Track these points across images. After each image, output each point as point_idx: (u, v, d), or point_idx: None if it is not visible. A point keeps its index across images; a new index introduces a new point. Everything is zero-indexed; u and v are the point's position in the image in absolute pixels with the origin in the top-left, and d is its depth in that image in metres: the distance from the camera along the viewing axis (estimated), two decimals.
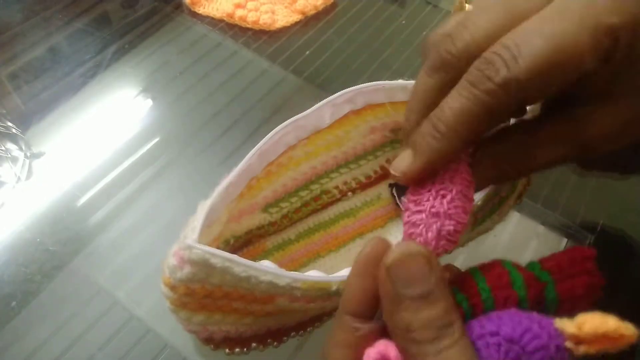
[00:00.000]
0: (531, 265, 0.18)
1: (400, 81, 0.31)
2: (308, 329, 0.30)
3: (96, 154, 0.41)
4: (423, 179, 0.19)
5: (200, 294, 0.23)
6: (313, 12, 0.53)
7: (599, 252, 0.38)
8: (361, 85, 0.31)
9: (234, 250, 0.32)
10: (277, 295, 0.24)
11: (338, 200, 0.35)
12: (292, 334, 0.30)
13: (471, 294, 0.17)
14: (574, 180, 0.42)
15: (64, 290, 0.34)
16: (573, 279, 0.17)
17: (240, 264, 0.22)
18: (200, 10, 0.53)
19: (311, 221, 0.35)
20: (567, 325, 0.15)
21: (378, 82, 0.31)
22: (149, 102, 0.46)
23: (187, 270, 0.22)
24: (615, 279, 0.37)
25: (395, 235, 0.34)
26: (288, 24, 0.52)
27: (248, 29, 0.52)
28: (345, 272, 0.25)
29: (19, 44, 0.49)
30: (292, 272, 0.24)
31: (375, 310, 0.18)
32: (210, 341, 0.28)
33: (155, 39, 0.51)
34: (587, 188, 0.42)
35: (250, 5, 0.51)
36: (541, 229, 0.39)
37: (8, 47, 0.49)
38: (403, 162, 0.20)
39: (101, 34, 0.51)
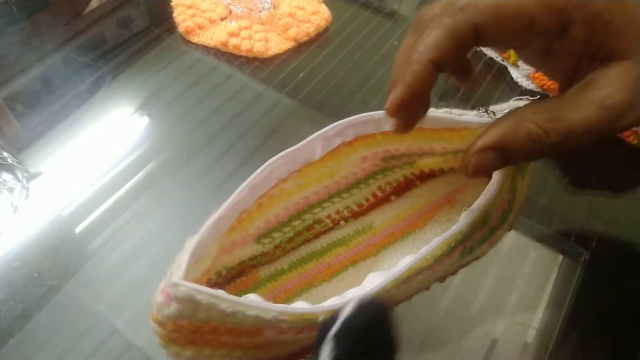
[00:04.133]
0: None
1: None
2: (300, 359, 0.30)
3: (92, 181, 0.42)
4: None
5: (188, 330, 0.24)
6: (306, 39, 0.54)
7: (595, 267, 0.39)
8: (351, 117, 0.31)
9: (227, 281, 0.32)
10: (265, 327, 0.24)
11: (330, 229, 0.35)
12: None
13: None
14: (568, 198, 0.43)
15: (62, 319, 0.34)
16: None
17: (225, 299, 0.22)
18: (195, 39, 0.54)
19: (304, 250, 0.35)
20: None
21: (367, 113, 0.31)
22: (145, 127, 0.46)
23: (173, 307, 0.22)
24: (610, 294, 0.38)
25: (388, 263, 0.34)
26: (281, 52, 0.53)
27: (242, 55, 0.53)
28: (331, 302, 0.26)
29: (12, 68, 0.50)
30: (278, 304, 0.24)
31: None
32: None
33: (150, 63, 0.52)
34: (581, 205, 0.42)
35: (243, 33, 0.52)
36: (537, 245, 0.39)
37: (2, 71, 0.49)
38: (390, 98, 0.23)
39: (96, 59, 0.52)
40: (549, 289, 0.37)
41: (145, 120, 0.47)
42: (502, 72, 0.52)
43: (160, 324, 0.23)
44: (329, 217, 0.35)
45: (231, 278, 0.32)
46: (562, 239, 0.39)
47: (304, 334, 0.26)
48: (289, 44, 0.54)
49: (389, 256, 0.35)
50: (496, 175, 0.29)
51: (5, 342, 0.32)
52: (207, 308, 0.22)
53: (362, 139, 0.32)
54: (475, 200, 0.29)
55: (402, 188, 0.37)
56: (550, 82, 0.49)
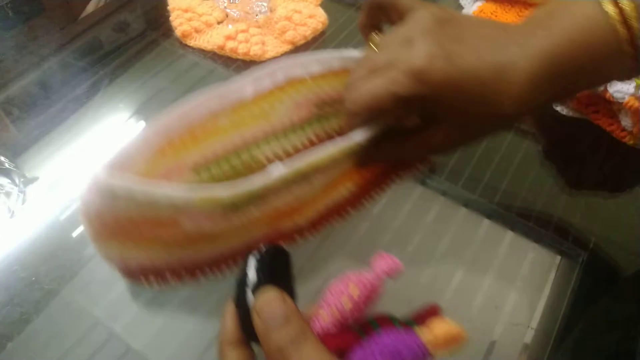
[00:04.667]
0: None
1: (314, 55, 0.34)
2: (222, 267, 0.32)
3: None
4: None
5: (111, 222, 0.26)
6: (302, 42, 0.55)
7: (593, 268, 0.39)
8: (280, 59, 0.33)
9: None
10: (180, 215, 0.26)
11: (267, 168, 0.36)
12: (206, 270, 0.32)
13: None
14: (565, 199, 0.43)
15: (60, 323, 0.34)
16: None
17: (140, 189, 0.25)
18: (192, 42, 0.54)
19: None
20: (425, 334, 0.23)
21: (296, 56, 0.34)
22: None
23: (96, 199, 0.25)
24: (608, 294, 0.38)
25: None
26: (278, 55, 0.53)
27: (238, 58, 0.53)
28: (237, 182, 0.27)
29: (9, 72, 0.50)
30: (186, 187, 0.26)
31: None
32: (128, 273, 0.31)
33: (147, 67, 0.52)
34: (578, 206, 0.42)
35: (240, 37, 0.52)
36: (535, 246, 0.39)
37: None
38: None
39: (93, 63, 0.52)
40: (547, 289, 0.37)
41: (142, 124, 0.47)
42: None
43: (87, 217, 0.27)
44: (266, 157, 0.35)
45: None
46: (559, 240, 0.39)
47: (221, 226, 0.28)
48: (286, 47, 0.54)
49: None
50: None
51: (3, 346, 0.32)
52: (125, 198, 0.25)
53: (293, 84, 0.34)
54: None
55: (337, 136, 0.37)
56: None
